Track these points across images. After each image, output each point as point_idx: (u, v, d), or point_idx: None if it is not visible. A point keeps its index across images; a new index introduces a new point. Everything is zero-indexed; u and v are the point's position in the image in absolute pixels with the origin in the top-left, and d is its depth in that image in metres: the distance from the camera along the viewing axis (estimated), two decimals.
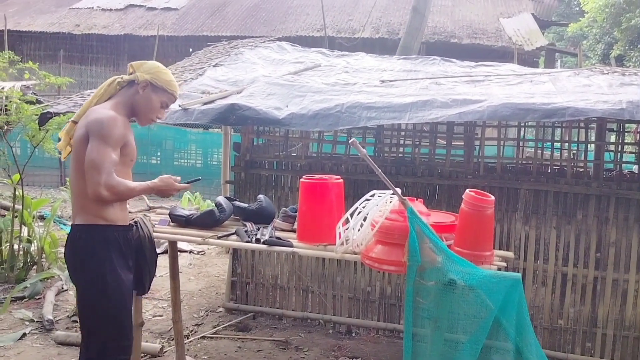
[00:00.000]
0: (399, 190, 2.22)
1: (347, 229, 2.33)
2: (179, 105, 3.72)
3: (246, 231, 2.73)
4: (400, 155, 4.55)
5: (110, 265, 2.24)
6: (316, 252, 2.55)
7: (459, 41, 12.85)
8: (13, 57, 5.15)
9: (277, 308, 4.34)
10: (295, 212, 2.88)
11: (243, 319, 4.27)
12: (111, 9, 15.81)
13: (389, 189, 2.29)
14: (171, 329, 4.01)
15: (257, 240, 2.60)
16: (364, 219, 2.31)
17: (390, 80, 4.09)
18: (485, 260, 2.32)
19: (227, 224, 2.99)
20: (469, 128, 4.11)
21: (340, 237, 2.36)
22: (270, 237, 2.62)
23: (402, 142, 4.65)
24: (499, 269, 2.39)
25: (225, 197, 3.08)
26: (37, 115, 4.65)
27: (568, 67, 16.52)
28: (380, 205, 2.29)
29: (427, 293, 2.19)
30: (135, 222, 2.58)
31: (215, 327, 4.12)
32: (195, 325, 4.19)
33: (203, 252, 6.42)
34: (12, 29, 14.06)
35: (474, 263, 2.18)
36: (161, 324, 4.15)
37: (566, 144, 4.21)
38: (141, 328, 2.93)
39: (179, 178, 2.44)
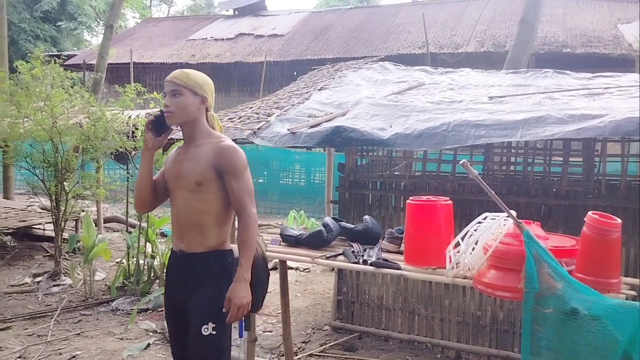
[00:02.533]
0: (513, 212, 2.13)
1: (458, 253, 2.28)
2: (288, 129, 3.88)
3: (353, 252, 2.76)
4: (511, 173, 4.35)
5: None
6: (425, 275, 2.51)
7: (572, 51, 12.08)
8: (140, 88, 5.68)
9: (383, 329, 4.31)
10: (402, 233, 2.86)
11: (349, 339, 4.29)
12: (223, 39, 16.88)
13: (501, 210, 2.20)
14: (281, 344, 4.14)
15: (365, 262, 2.61)
16: (476, 243, 2.24)
17: (499, 96, 3.95)
18: (611, 288, 2.14)
19: (334, 244, 3.04)
20: (587, 144, 3.85)
21: (450, 261, 2.30)
22: (377, 258, 2.62)
23: (512, 159, 4.45)
24: (627, 298, 2.19)
25: (332, 218, 3.13)
26: None
27: None
28: (493, 228, 2.21)
29: (546, 321, 2.06)
30: None
31: (322, 345, 4.18)
32: (303, 342, 4.27)
33: (308, 270, 6.56)
34: (137, 61, 15.50)
35: (598, 291, 2.02)
36: (271, 340, 4.29)
37: None
38: (254, 344, 3.05)
39: None
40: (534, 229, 2.20)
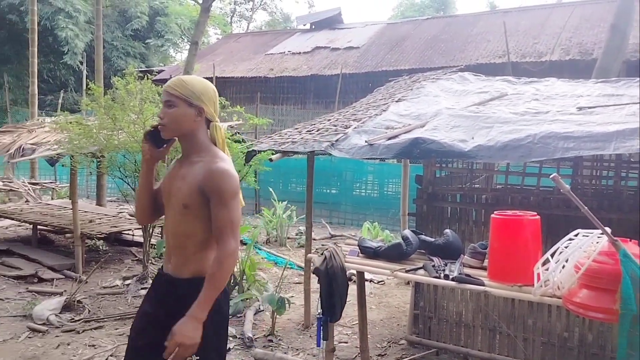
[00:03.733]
0: (608, 229, 2.02)
1: (547, 270, 2.19)
2: (365, 141, 3.90)
3: (433, 266, 2.73)
4: (602, 187, 4.12)
5: None
6: (510, 292, 2.43)
7: None
8: (224, 102, 5.93)
9: (462, 346, 4.19)
10: (485, 248, 2.79)
11: (426, 354, 4.21)
12: (300, 52, 17.25)
13: (593, 226, 2.10)
14: (356, 356, 4.14)
15: (446, 277, 2.57)
16: (566, 260, 2.14)
17: (589, 107, 3.76)
18: None
19: (413, 257, 3.01)
20: None
21: (539, 279, 2.22)
22: (459, 273, 2.57)
23: (604, 173, 4.21)
24: None
25: (412, 231, 3.11)
26: (243, 152, 5.27)
27: None
28: (585, 245, 2.10)
29: None
30: (329, 252, 2.75)
31: None
32: (379, 355, 4.24)
33: (383, 282, 6.51)
34: (219, 76, 16.17)
35: None
36: (346, 351, 4.30)
37: None
38: (332, 354, 3.07)
39: None
40: (631, 248, 2.07)
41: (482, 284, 2.48)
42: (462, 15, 18.84)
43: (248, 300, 5.33)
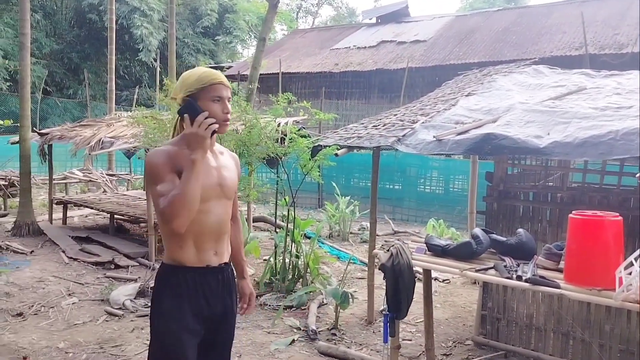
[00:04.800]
0: None
1: (630, 275, 2.06)
2: (434, 136, 3.82)
3: (505, 266, 2.64)
4: None
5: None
6: (589, 296, 2.31)
7: None
8: (291, 97, 6.01)
9: (532, 350, 4.03)
10: (561, 249, 2.66)
11: (494, 356, 4.08)
12: (365, 47, 17.17)
13: None
14: (420, 354, 4.09)
15: (519, 278, 2.48)
16: None
17: None
18: None
19: (483, 257, 2.93)
20: None
21: (621, 283, 2.09)
22: (533, 275, 2.47)
23: None
24: None
25: (482, 229, 3.02)
26: (309, 147, 5.32)
27: None
28: None
29: None
30: (396, 249, 2.73)
31: None
32: (444, 355, 4.17)
33: (448, 281, 6.38)
34: (285, 71, 16.40)
35: None
36: (410, 348, 4.25)
37: None
38: (398, 351, 3.05)
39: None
40: None
41: (558, 287, 2.37)
42: (535, 5, 18.08)
43: (312, 293, 5.38)
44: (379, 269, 2.94)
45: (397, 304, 2.76)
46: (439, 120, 4.23)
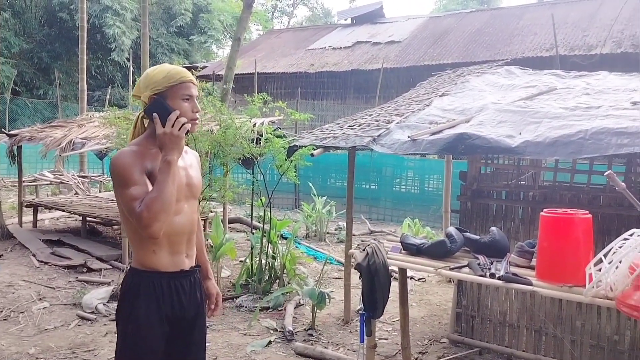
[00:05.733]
0: None
1: (599, 271, 2.11)
2: (408, 136, 3.85)
3: (479, 264, 2.67)
4: None
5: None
6: (560, 293, 2.35)
7: None
8: (267, 97, 5.98)
9: (506, 347, 4.09)
10: (533, 247, 2.71)
11: (469, 354, 4.13)
12: (340, 47, 17.21)
13: None
14: (397, 353, 4.12)
15: (492, 275, 2.51)
16: (620, 261, 2.05)
17: None
18: None
19: (458, 255, 2.96)
20: None
21: (591, 280, 2.14)
22: (506, 272, 2.51)
23: None
24: None
25: (456, 228, 3.05)
26: (284, 147, 5.31)
27: None
28: None
29: None
30: (371, 248, 2.74)
31: (440, 358, 4.07)
32: (420, 353, 4.20)
33: (423, 280, 6.44)
34: (260, 72, 16.33)
35: None
36: (387, 347, 4.27)
37: None
38: (374, 350, 3.06)
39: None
40: None
41: (530, 284, 2.41)
42: (507, 7, 18.40)
43: (288, 294, 5.37)
44: (355, 269, 2.94)
45: (373, 303, 2.77)
46: (414, 120, 4.26)
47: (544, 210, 2.51)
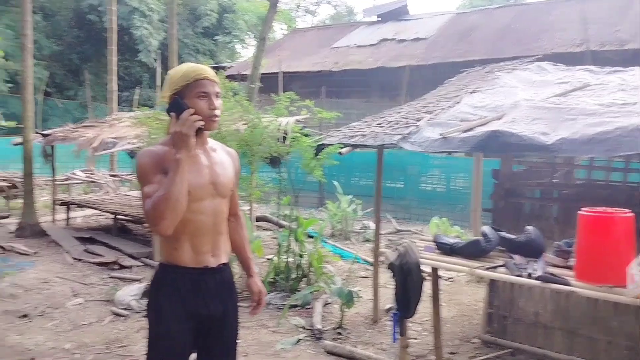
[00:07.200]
0: None
1: None
2: (440, 134, 3.81)
3: (515, 264, 2.63)
4: None
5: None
6: (600, 293, 2.30)
7: None
8: (294, 96, 5.99)
9: (539, 347, 4.03)
10: (570, 246, 2.66)
11: (501, 354, 4.08)
12: (365, 45, 17.13)
13: None
14: (427, 353, 4.09)
15: (529, 275, 2.47)
16: None
17: None
18: None
19: (492, 254, 2.92)
20: None
21: (633, 280, 2.08)
22: (543, 272, 2.46)
23: None
24: None
25: (491, 227, 3.01)
26: (311, 146, 5.31)
27: None
28: None
29: None
30: (404, 247, 2.72)
31: (471, 359, 4.03)
32: (450, 353, 4.16)
33: (452, 279, 6.37)
34: (285, 71, 16.37)
35: None
36: (417, 347, 4.24)
37: None
38: (406, 350, 3.04)
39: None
40: None
41: (569, 284, 2.36)
42: (535, 2, 18.01)
43: (316, 293, 5.38)
44: (387, 268, 2.93)
45: (406, 303, 2.75)
46: (444, 117, 4.21)
47: (583, 208, 2.45)
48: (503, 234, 2.97)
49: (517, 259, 2.71)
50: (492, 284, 4.25)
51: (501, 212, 4.19)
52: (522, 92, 4.58)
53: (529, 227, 2.93)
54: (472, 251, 2.84)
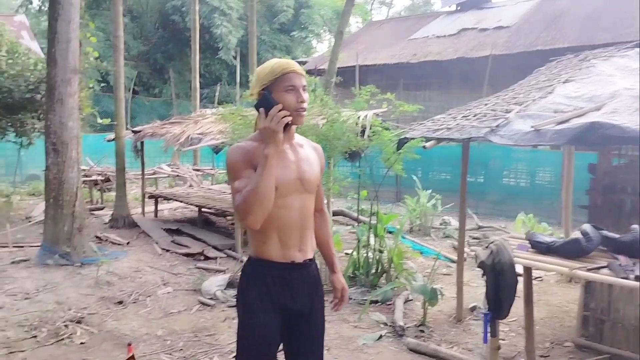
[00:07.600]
0: None
1: None
2: (531, 127, 3.61)
3: (620, 265, 2.44)
4: None
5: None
6: None
7: None
8: (374, 89, 5.93)
9: None
10: None
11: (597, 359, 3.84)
12: (445, 35, 16.67)
13: None
14: (516, 355, 3.92)
15: (636, 278, 2.28)
16: None
17: None
18: None
19: (593, 254, 2.73)
20: None
21: None
22: None
23: None
24: None
25: (592, 226, 2.82)
26: (392, 140, 5.23)
27: None
28: None
29: None
30: (496, 246, 2.60)
31: None
32: (541, 356, 3.96)
33: (540, 279, 6.07)
34: (361, 64, 16.28)
35: None
36: (505, 349, 4.06)
37: None
38: (497, 352, 2.92)
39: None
40: None
41: None
42: None
43: (397, 289, 5.31)
44: (478, 267, 2.82)
45: (498, 303, 2.63)
46: (535, 109, 3.99)
47: None
48: (605, 232, 2.77)
49: (622, 259, 2.51)
50: (588, 285, 4.00)
51: (599, 209, 3.92)
52: (621, 81, 4.26)
53: (635, 226, 2.71)
54: (571, 251, 2.67)
